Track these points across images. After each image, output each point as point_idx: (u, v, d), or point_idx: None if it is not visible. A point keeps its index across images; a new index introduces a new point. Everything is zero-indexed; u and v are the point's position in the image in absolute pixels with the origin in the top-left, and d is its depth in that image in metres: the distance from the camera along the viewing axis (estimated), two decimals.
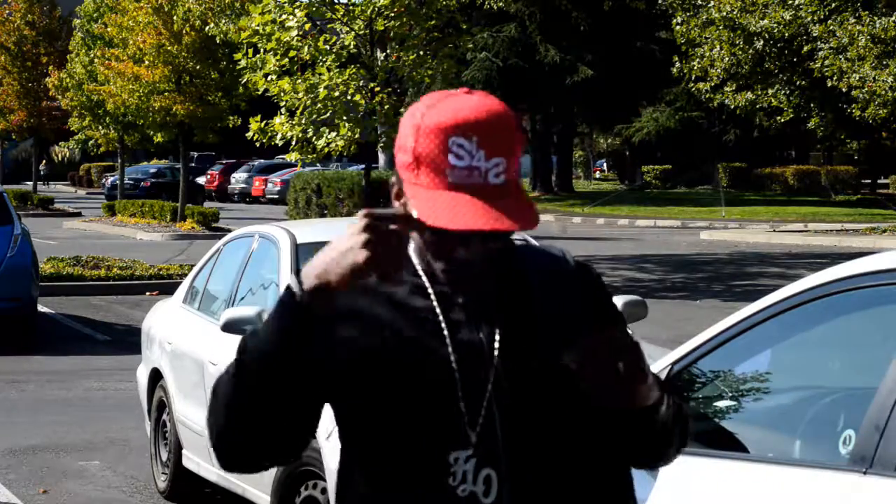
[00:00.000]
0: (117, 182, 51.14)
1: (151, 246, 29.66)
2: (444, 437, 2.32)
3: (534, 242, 2.56)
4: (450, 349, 2.34)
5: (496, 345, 2.35)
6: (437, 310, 2.37)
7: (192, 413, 8.30)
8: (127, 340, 14.65)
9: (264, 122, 20.19)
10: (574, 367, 2.26)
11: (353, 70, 19.82)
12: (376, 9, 19.78)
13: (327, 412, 2.48)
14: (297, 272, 2.34)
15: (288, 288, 2.30)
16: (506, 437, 2.31)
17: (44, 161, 70.98)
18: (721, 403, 4.36)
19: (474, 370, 2.33)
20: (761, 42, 31.18)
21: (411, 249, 2.41)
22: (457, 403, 2.32)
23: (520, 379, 2.33)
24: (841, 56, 28.82)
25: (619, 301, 7.88)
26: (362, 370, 2.35)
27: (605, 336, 2.26)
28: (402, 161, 2.35)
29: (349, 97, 19.63)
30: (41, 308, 16.34)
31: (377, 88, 19.85)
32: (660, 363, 4.36)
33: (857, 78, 28.30)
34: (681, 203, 44.72)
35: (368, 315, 2.38)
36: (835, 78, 29.00)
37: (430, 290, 2.38)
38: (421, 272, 2.40)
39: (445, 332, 2.35)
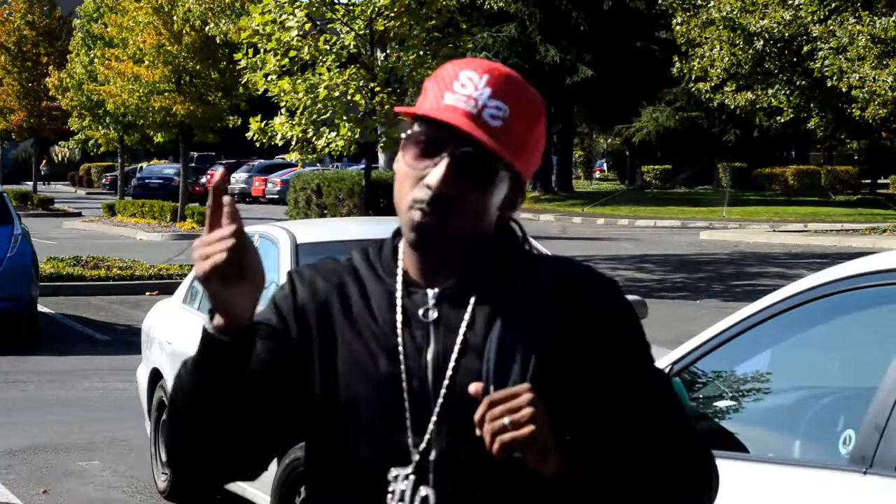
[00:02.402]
0: (144, 181, 51.44)
1: (151, 246, 29.66)
2: (386, 453, 2.26)
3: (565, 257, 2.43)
4: (402, 367, 2.27)
5: (451, 365, 2.26)
6: (399, 324, 2.30)
7: None
8: (127, 340, 14.65)
9: (264, 122, 20.20)
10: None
11: (353, 70, 19.82)
12: (376, 9, 19.78)
13: None
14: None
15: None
16: (447, 459, 2.24)
17: (45, 161, 71.00)
18: (721, 403, 4.36)
19: (424, 391, 2.26)
20: (761, 42, 31.17)
21: (402, 249, 2.35)
22: (403, 423, 2.26)
23: (467, 404, 2.19)
24: (841, 56, 28.81)
25: None
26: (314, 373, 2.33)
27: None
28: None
29: (349, 97, 19.64)
30: (41, 308, 16.34)
31: (377, 88, 19.85)
32: (660, 363, 4.36)
33: (857, 78, 28.29)
34: (681, 203, 44.73)
35: (334, 317, 2.34)
36: (835, 78, 28.99)
37: (397, 297, 2.32)
38: (399, 272, 2.34)
39: (400, 349, 2.28)
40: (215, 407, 2.20)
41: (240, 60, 20.46)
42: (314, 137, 19.96)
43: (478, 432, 2.13)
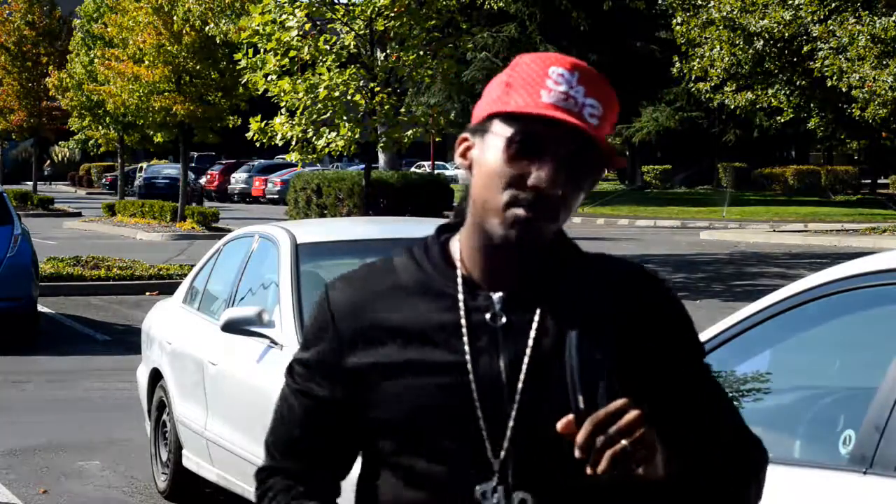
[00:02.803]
0: (150, 181, 51.46)
1: (151, 246, 29.66)
2: (465, 467, 2.18)
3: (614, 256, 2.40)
4: (470, 374, 2.19)
5: (523, 371, 2.19)
6: (464, 329, 2.21)
7: (192, 413, 8.30)
8: (127, 340, 14.64)
9: (264, 122, 20.20)
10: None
11: (353, 70, 19.82)
12: (376, 9, 19.78)
13: None
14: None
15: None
16: (530, 467, 2.18)
17: (48, 161, 71.04)
18: None
19: (497, 398, 2.19)
20: (761, 42, 31.16)
21: (454, 249, 2.29)
22: (479, 433, 2.18)
23: (548, 409, 2.15)
24: (841, 56, 28.81)
25: None
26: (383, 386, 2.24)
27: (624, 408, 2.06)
28: (487, 99, 2.25)
29: (349, 97, 19.64)
30: (41, 308, 16.33)
31: (377, 88, 19.85)
32: None
33: (857, 78, 28.29)
34: (681, 203, 44.73)
35: (395, 330, 2.24)
36: (835, 78, 28.99)
37: (459, 300, 2.23)
38: (459, 275, 2.25)
39: (468, 357, 2.20)
40: None
41: (240, 60, 20.46)
42: (314, 137, 19.96)
43: (577, 453, 2.04)
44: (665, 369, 2.25)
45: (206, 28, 28.26)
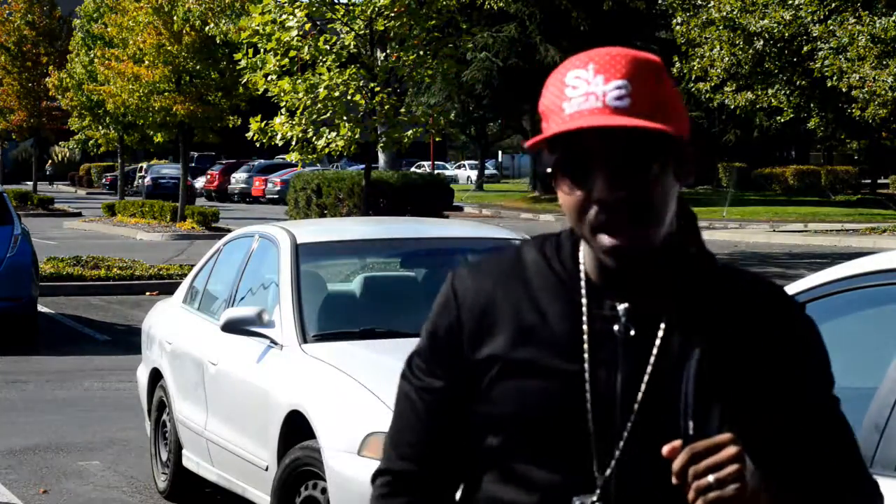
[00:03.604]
0: (157, 180, 51.58)
1: (151, 246, 29.66)
2: (567, 479, 2.12)
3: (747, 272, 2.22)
4: (587, 386, 2.12)
5: (642, 389, 2.11)
6: (585, 338, 2.14)
7: (192, 413, 8.30)
8: (127, 340, 14.65)
9: (264, 122, 20.20)
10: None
11: (353, 70, 19.82)
12: (376, 9, 19.78)
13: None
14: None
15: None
16: (634, 487, 2.11)
17: (49, 161, 71.04)
18: None
19: (611, 414, 2.12)
20: (761, 42, 31.17)
21: (583, 252, 2.19)
22: (588, 447, 2.11)
23: (659, 431, 2.08)
24: (841, 56, 28.81)
25: None
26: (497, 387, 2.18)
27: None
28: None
29: (349, 97, 19.64)
30: (41, 308, 16.34)
31: (377, 88, 19.85)
32: None
33: (857, 78, 28.29)
34: None
35: (518, 328, 2.17)
36: (835, 78, 28.99)
37: (583, 307, 2.15)
38: (582, 277, 2.18)
39: (587, 367, 2.12)
40: None
41: (240, 60, 20.46)
42: (314, 137, 19.96)
43: (674, 480, 1.98)
44: (790, 400, 2.16)
45: (206, 28, 28.26)
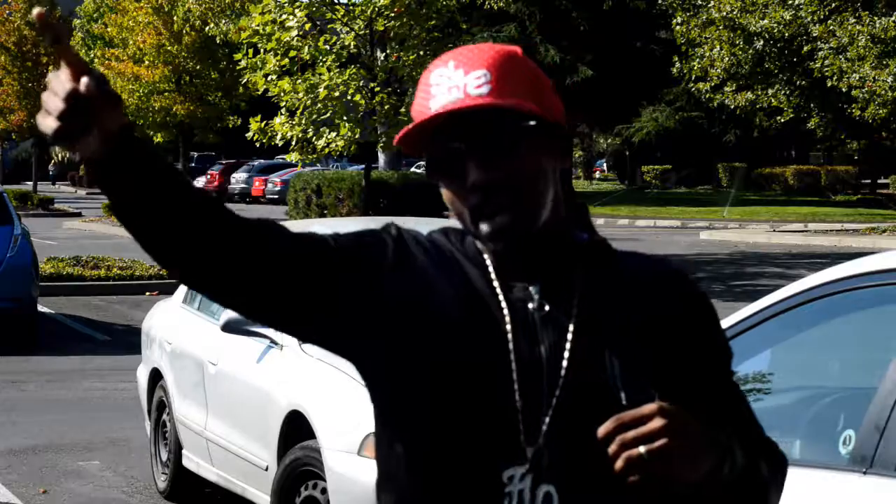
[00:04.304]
0: None
1: None
2: (497, 451, 2.12)
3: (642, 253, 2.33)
4: (512, 357, 2.14)
5: (565, 361, 2.14)
6: (507, 314, 2.16)
7: (192, 413, 8.30)
8: (127, 340, 14.64)
9: (264, 122, 20.21)
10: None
11: (353, 70, 19.83)
12: (376, 9, 19.79)
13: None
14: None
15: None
16: (565, 457, 2.12)
17: (52, 161, 71.01)
18: None
19: (537, 385, 2.13)
20: (761, 42, 31.18)
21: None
22: (515, 418, 2.13)
23: (589, 402, 2.12)
24: (841, 56, 28.82)
25: None
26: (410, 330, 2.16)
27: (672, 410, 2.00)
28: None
29: (349, 97, 19.65)
30: (41, 308, 16.34)
31: (377, 88, 19.85)
32: None
33: (857, 78, 28.30)
34: (681, 203, 44.73)
35: (435, 286, 2.19)
36: (835, 78, 29.00)
37: (497, 288, 2.18)
38: (489, 265, 2.21)
39: (510, 339, 2.15)
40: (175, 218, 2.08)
41: (240, 60, 20.46)
42: (314, 137, 19.96)
43: (611, 449, 1.99)
44: (694, 372, 2.21)
45: (206, 28, 28.27)
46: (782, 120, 34.97)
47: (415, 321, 2.17)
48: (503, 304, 2.17)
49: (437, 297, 2.18)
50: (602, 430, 1.99)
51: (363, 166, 22.49)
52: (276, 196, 51.27)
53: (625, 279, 2.22)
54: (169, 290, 14.39)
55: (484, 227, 2.12)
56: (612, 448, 1.99)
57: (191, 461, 8.41)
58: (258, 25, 19.76)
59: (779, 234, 31.98)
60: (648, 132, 55.01)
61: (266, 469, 7.18)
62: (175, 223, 2.08)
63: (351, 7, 20.61)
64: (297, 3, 19.94)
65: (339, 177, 29.30)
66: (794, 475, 3.77)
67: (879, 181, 55.30)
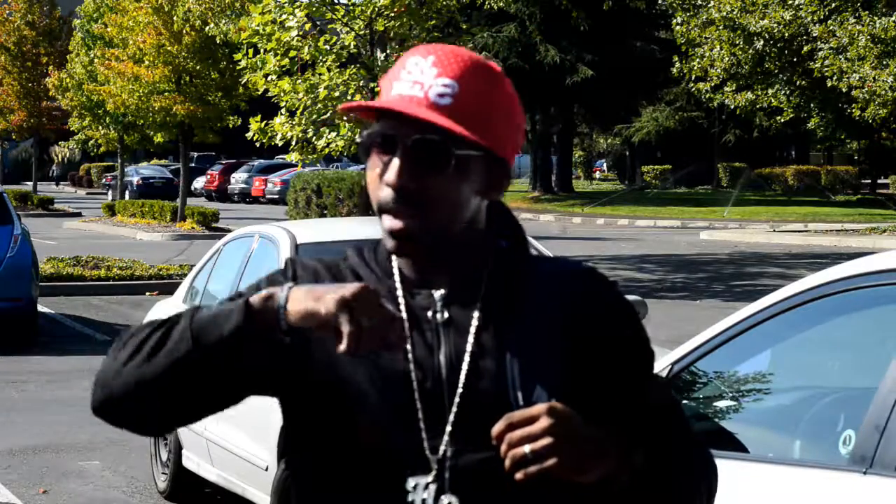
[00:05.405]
0: (148, 181, 52.07)
1: (151, 246, 29.66)
2: (402, 461, 2.12)
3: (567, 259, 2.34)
4: (412, 366, 2.14)
5: (464, 367, 2.13)
6: (405, 323, 2.15)
7: None
8: None
9: (264, 122, 20.21)
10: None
11: (353, 70, 19.83)
12: (376, 9, 19.78)
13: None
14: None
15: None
16: (468, 465, 2.11)
17: (55, 162, 71.06)
18: (721, 403, 4.36)
19: (437, 393, 2.13)
20: (761, 42, 31.18)
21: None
22: (417, 426, 2.12)
23: (488, 407, 2.10)
24: (841, 56, 28.83)
25: None
26: (316, 371, 2.18)
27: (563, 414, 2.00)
28: None
29: (349, 97, 19.64)
30: (41, 308, 16.34)
31: (377, 88, 19.82)
32: (660, 363, 4.36)
33: (857, 78, 28.30)
34: (681, 203, 44.74)
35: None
36: (835, 78, 29.01)
37: (399, 297, 2.19)
38: (396, 273, 2.22)
39: (409, 347, 2.14)
40: (190, 384, 2.11)
41: (240, 60, 20.46)
42: (314, 137, 19.96)
43: (502, 449, 2.01)
44: (611, 374, 2.19)
45: (206, 28, 28.24)
46: (782, 120, 34.97)
47: (319, 348, 2.16)
48: (403, 314, 2.17)
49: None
50: (495, 430, 2.00)
51: (363, 166, 22.47)
52: (276, 196, 51.27)
53: (535, 283, 2.21)
54: (169, 290, 14.40)
55: (386, 221, 2.13)
56: (502, 448, 2.00)
57: (191, 461, 8.41)
58: (258, 25, 19.76)
59: (779, 234, 31.98)
60: (648, 132, 55.06)
61: (266, 469, 7.18)
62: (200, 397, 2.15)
63: (351, 7, 20.61)
64: (297, 3, 19.94)
65: (339, 177, 29.33)
66: (794, 475, 3.78)
67: (879, 181, 55.31)
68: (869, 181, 55.08)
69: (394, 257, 2.22)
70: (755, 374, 4.37)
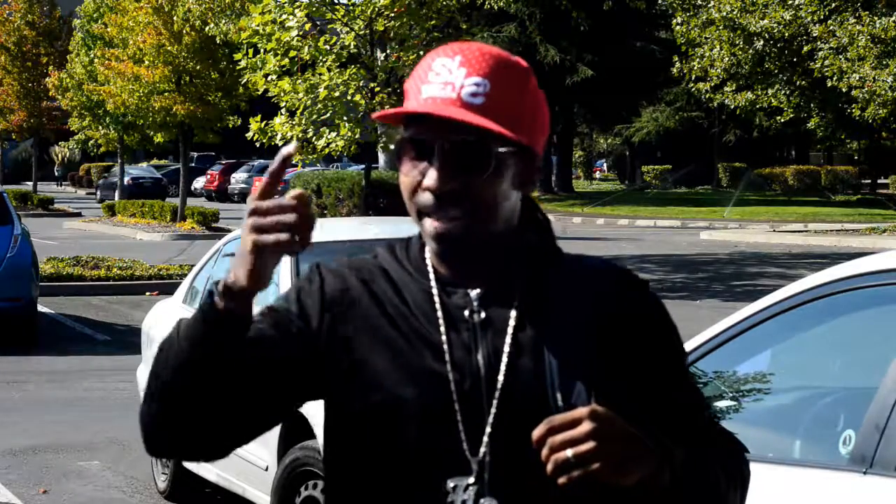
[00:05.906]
0: (139, 181, 52.10)
1: (151, 246, 29.65)
2: (441, 463, 2.11)
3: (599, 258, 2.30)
4: (448, 367, 2.13)
5: (503, 367, 2.13)
6: (441, 322, 2.16)
7: None
8: (127, 340, 14.64)
9: (264, 122, 20.20)
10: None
11: (353, 70, 19.82)
12: (376, 9, 19.78)
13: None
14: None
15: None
16: (508, 466, 2.10)
17: (57, 162, 71.03)
18: (721, 403, 4.36)
19: (476, 393, 2.12)
20: (761, 42, 31.19)
21: (429, 252, 2.23)
22: (456, 427, 2.11)
23: (528, 407, 2.10)
24: (841, 56, 28.83)
25: None
26: (354, 374, 2.18)
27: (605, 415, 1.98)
28: None
29: (349, 97, 19.64)
30: (41, 308, 16.34)
31: (377, 88, 19.85)
32: None
33: (857, 78, 28.30)
34: (681, 203, 44.74)
35: (367, 313, 2.19)
36: (835, 78, 29.01)
37: (434, 296, 2.18)
38: (430, 271, 2.21)
39: (445, 348, 2.14)
40: (208, 387, 2.07)
41: (240, 60, 20.46)
42: (314, 137, 19.96)
43: (543, 453, 1.99)
44: (645, 373, 2.18)
45: (206, 28, 28.24)
46: (782, 120, 34.98)
47: (357, 344, 2.17)
48: (439, 314, 2.16)
49: (373, 320, 2.18)
50: (535, 434, 1.99)
51: (363, 166, 22.49)
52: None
53: (571, 281, 2.20)
54: (169, 290, 14.39)
55: (428, 225, 2.13)
56: (543, 452, 1.98)
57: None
58: (258, 25, 19.76)
59: (779, 234, 31.98)
60: (648, 132, 55.07)
61: (266, 469, 7.18)
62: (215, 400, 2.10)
63: (351, 7, 20.61)
64: (297, 3, 19.93)
65: (339, 177, 29.33)
66: (794, 475, 3.78)
67: (879, 181, 55.33)
68: (869, 181, 55.12)
69: (427, 256, 2.22)
70: (755, 374, 4.37)
